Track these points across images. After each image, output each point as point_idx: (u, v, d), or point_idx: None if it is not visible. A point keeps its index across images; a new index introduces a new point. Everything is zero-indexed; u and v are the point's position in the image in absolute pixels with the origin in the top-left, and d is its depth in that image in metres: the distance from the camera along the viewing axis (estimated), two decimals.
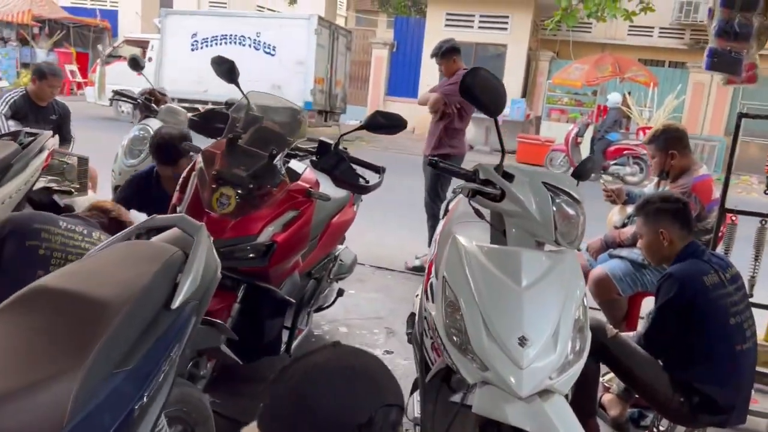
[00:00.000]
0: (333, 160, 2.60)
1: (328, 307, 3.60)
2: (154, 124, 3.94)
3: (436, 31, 16.37)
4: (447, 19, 17.74)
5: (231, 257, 2.35)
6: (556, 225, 1.80)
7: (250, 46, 13.89)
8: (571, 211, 1.84)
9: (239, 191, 2.35)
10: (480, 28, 17.60)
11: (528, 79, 18.05)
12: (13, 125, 4.57)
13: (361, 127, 2.56)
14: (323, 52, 13.93)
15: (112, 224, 2.46)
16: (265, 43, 13.79)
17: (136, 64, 4.29)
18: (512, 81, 17.30)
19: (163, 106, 4.18)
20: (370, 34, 20.97)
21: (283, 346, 2.83)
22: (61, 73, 4.91)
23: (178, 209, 2.43)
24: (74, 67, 19.36)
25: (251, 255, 2.37)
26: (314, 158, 2.68)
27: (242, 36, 13.90)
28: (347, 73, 15.77)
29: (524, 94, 17.50)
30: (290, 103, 2.80)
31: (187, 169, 2.61)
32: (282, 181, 2.45)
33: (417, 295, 3.03)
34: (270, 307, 2.60)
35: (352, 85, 18.92)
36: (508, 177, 1.82)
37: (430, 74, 14.91)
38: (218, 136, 2.64)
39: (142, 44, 15.40)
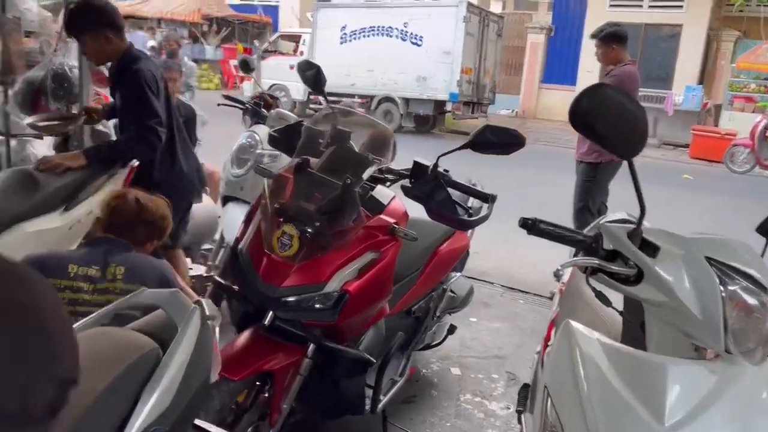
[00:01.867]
0: (428, 187, 2.08)
1: (436, 345, 3.10)
2: (262, 130, 3.66)
3: (598, 13, 15.01)
4: None
5: (293, 308, 1.94)
6: (727, 325, 1.15)
7: (397, 36, 13.61)
8: (751, 302, 1.17)
9: (307, 229, 1.92)
10: (651, 7, 15.88)
11: (707, 63, 15.98)
12: None
13: (465, 146, 2.01)
14: (472, 41, 13.26)
15: (141, 227, 2.10)
16: (412, 33, 13.43)
17: (246, 66, 4.07)
18: (687, 65, 15.43)
19: (272, 111, 3.90)
20: (526, 18, 19.88)
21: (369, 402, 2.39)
22: (173, 64, 4.85)
23: (239, 247, 2.06)
24: (237, 62, 20.50)
25: (317, 307, 1.93)
26: (407, 183, 2.18)
27: (389, 27, 13.65)
28: (498, 61, 14.95)
29: (701, 81, 15.51)
30: (376, 120, 2.31)
31: (257, 197, 2.23)
32: (358, 216, 1.98)
33: (537, 352, 2.43)
34: (345, 366, 2.16)
35: (504, 73, 18.07)
36: (650, 247, 1.19)
37: (590, 60, 13.66)
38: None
39: (295, 39, 15.78)
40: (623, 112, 1.08)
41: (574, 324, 1.33)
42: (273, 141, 2.42)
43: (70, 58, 3.91)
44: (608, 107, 1.08)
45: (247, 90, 16.05)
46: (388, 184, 2.29)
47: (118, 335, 1.14)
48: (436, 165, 2.10)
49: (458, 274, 3.19)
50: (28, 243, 2.22)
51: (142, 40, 19.72)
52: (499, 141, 1.97)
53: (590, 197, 4.48)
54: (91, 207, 2.44)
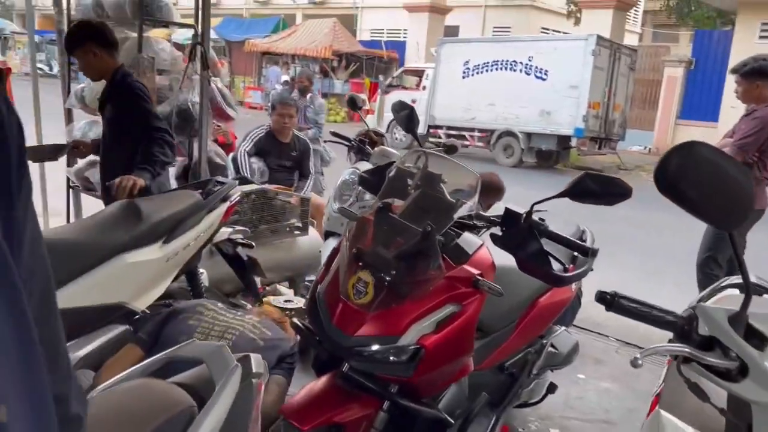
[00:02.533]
0: (520, 237, 1.93)
1: (534, 404, 2.87)
2: (365, 168, 3.67)
3: (746, 45, 13.87)
4: (762, 30, 14.94)
5: (366, 360, 1.85)
6: None
7: (521, 71, 13.37)
8: None
9: (383, 277, 1.84)
10: None
11: None
12: (255, 161, 4.76)
13: (562, 194, 1.85)
14: (601, 75, 12.73)
15: None
16: (536, 67, 13.14)
17: (353, 104, 4.11)
18: None
19: (376, 149, 3.90)
20: (663, 51, 18.85)
21: None
22: (290, 100, 4.99)
23: (318, 290, 2.02)
24: (364, 96, 21.14)
25: (391, 360, 1.83)
26: (498, 231, 2.04)
27: (513, 61, 13.46)
28: (629, 96, 14.23)
29: None
30: (463, 165, 2.19)
31: (340, 239, 2.19)
32: (439, 266, 1.87)
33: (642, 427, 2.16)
34: (422, 424, 2.02)
35: (637, 107, 17.17)
36: (757, 336, 0.98)
37: (734, 95, 12.61)
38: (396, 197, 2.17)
39: (419, 73, 16.00)
40: (722, 176, 0.89)
41: (665, 415, 1.13)
42: (363, 182, 2.38)
43: (193, 94, 4.17)
44: (703, 170, 0.89)
45: (369, 123, 16.49)
46: (481, 231, 2.16)
47: (158, 389, 1.11)
48: (529, 213, 1.94)
49: (562, 327, 2.95)
50: (128, 273, 2.32)
51: (276, 75, 20.98)
52: (601, 190, 1.79)
53: (719, 248, 4.02)
54: (189, 240, 2.51)
